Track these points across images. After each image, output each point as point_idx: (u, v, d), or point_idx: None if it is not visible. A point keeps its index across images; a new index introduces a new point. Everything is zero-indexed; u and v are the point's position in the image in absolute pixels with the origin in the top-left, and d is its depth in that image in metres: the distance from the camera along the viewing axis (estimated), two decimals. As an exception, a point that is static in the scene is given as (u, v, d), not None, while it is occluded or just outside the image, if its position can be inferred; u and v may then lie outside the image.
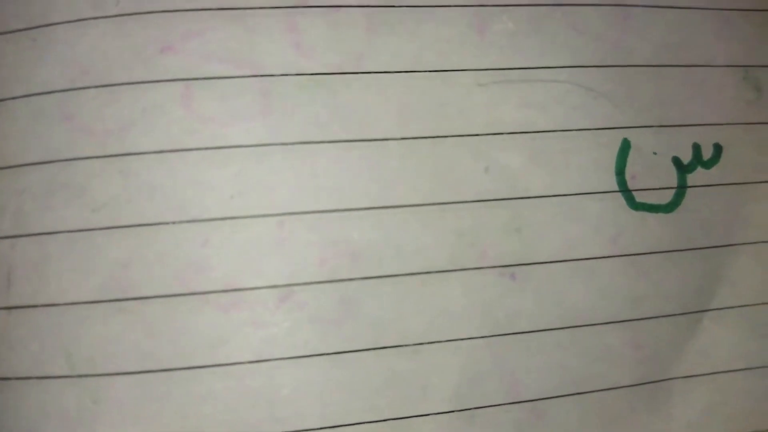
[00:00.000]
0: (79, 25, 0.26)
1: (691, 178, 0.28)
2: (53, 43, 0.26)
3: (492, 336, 0.26)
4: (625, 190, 0.28)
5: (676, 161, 0.28)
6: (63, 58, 0.26)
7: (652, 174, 0.28)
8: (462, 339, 0.26)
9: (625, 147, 0.28)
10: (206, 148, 0.26)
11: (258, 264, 0.25)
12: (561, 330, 0.27)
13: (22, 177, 0.26)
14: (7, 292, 0.25)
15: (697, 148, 0.28)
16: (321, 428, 0.25)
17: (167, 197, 0.25)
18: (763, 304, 0.28)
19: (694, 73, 0.29)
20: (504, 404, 0.26)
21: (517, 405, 0.26)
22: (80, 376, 0.25)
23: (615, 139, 0.28)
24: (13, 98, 0.26)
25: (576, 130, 0.27)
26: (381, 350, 0.26)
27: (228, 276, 0.25)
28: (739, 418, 0.28)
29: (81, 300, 0.25)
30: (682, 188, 0.28)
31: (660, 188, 0.28)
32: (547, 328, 0.27)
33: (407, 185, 0.26)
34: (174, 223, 0.25)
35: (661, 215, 0.28)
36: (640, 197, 0.28)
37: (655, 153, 0.28)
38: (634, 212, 0.28)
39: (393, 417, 0.25)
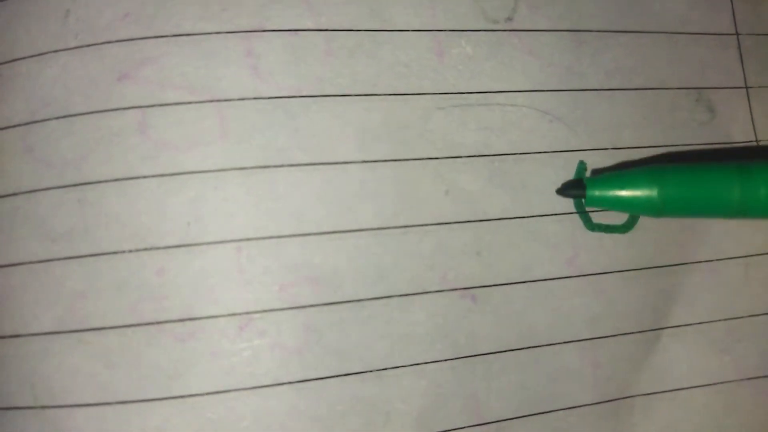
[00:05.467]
0: (41, 59, 0.25)
1: (647, 199, 0.27)
2: (16, 77, 0.25)
3: (454, 359, 0.25)
4: (581, 212, 0.27)
5: (632, 182, 0.27)
6: (25, 92, 0.24)
7: (608, 195, 0.27)
8: (425, 363, 0.25)
9: (581, 169, 0.27)
10: (163, 175, 0.24)
11: (216, 292, 0.24)
12: (521, 351, 0.25)
13: (-15, 209, 0.24)
14: (-26, 325, 0.24)
15: (651, 169, 0.28)
16: (283, 457, 0.24)
17: (124, 225, 0.24)
18: (720, 320, 0.27)
19: (647, 96, 0.28)
20: (468, 427, 0.25)
21: (480, 427, 0.25)
22: (43, 407, 0.23)
23: (571, 162, 0.27)
24: (-22, 133, 0.24)
25: (533, 152, 0.27)
26: (344, 377, 0.24)
27: (185, 305, 0.24)
28: (700, 433, 0.27)
29: (42, 331, 0.23)
30: (637, 208, 0.27)
31: (616, 209, 0.27)
32: (508, 349, 0.25)
33: (368, 209, 0.25)
34: (130, 251, 0.24)
35: (617, 236, 0.27)
36: (596, 218, 0.27)
37: (610, 174, 0.27)
38: (590, 233, 0.27)
39: (356, 444, 0.24)
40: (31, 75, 0.25)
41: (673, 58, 0.28)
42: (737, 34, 0.29)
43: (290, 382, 0.24)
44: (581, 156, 0.27)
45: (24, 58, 0.25)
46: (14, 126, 0.24)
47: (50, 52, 0.25)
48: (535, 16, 0.27)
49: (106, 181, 0.24)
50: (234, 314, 0.24)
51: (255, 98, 0.25)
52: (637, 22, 0.28)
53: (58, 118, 0.24)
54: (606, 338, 0.26)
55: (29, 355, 0.23)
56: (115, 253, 0.24)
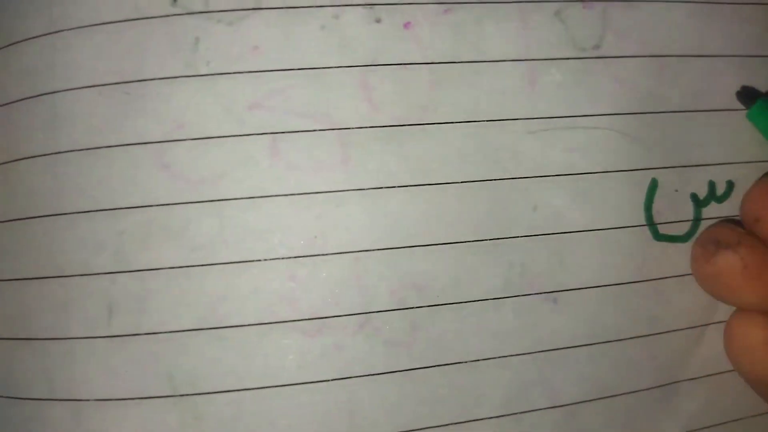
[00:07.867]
0: (171, 82, 0.27)
1: (705, 212, 0.30)
2: (146, 97, 0.27)
3: (537, 352, 0.29)
4: (651, 224, 0.30)
5: (694, 197, 0.30)
6: (157, 112, 0.27)
7: (673, 209, 0.30)
8: (512, 355, 0.29)
9: (653, 186, 0.30)
10: (292, 194, 0.27)
11: (338, 295, 0.27)
12: (593, 345, 0.30)
13: (120, 219, 0.27)
14: (108, 323, 0.27)
15: (711, 185, 0.31)
16: (393, 433, 0.28)
17: (258, 238, 0.27)
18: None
19: (716, 117, 0.30)
20: (544, 408, 0.29)
21: (555, 409, 0.29)
22: (182, 395, 0.27)
23: (645, 179, 0.30)
24: (109, 147, 0.27)
25: (613, 171, 0.29)
26: (444, 367, 0.28)
27: (313, 306, 0.27)
28: (730, 409, 0.31)
29: (181, 329, 0.27)
30: (697, 221, 0.30)
31: (679, 221, 0.30)
32: (582, 344, 0.29)
33: (466, 224, 0.28)
34: (264, 260, 0.27)
35: (679, 244, 0.30)
36: (662, 230, 0.30)
37: (676, 190, 0.30)
38: (657, 243, 0.30)
39: (453, 422, 0.28)
40: (161, 96, 0.27)
41: (742, 81, 0.31)
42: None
43: (400, 371, 0.28)
44: (654, 174, 0.30)
45: (153, 79, 0.27)
46: (147, 143, 0.27)
47: (182, 76, 0.27)
48: (621, 43, 0.29)
49: (241, 199, 0.27)
50: (354, 314, 0.28)
51: (370, 126, 0.27)
52: (715, 45, 0.30)
53: (193, 139, 0.27)
54: (662, 334, 0.30)
55: (167, 351, 0.27)
56: (251, 261, 0.27)
